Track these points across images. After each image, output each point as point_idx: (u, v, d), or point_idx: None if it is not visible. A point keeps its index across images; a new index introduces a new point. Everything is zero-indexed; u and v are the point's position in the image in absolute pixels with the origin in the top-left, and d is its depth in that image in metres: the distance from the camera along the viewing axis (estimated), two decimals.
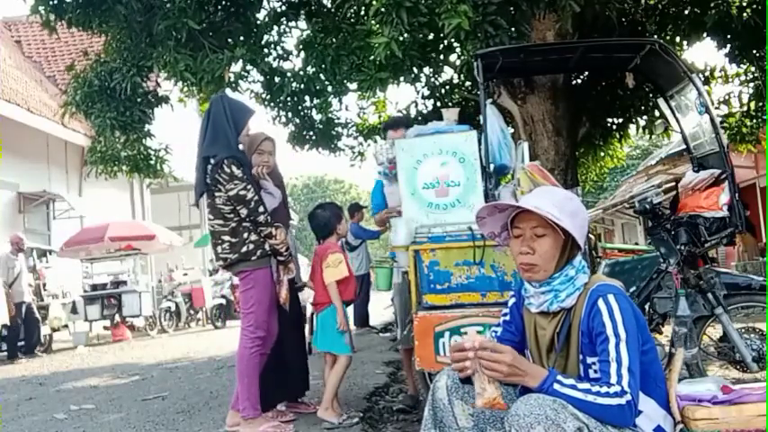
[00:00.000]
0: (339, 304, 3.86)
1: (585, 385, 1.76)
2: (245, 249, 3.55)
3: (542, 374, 1.76)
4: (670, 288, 3.77)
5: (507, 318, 2.09)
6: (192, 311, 14.32)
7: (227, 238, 3.57)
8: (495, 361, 1.75)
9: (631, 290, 3.97)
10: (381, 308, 10.43)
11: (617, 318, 1.81)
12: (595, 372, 1.82)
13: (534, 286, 1.95)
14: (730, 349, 3.68)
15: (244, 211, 3.54)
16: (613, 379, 1.76)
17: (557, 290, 1.91)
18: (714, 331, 3.86)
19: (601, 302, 1.84)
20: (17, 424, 4.53)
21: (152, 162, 7.52)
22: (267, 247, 3.60)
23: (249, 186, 3.53)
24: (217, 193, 3.56)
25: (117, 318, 12.07)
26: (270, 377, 3.89)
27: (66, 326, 11.34)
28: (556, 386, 1.74)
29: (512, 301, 2.10)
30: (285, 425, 3.69)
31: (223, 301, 14.03)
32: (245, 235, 3.56)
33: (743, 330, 3.69)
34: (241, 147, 3.72)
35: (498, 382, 1.77)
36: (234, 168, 3.50)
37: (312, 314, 4.28)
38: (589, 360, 1.86)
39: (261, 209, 3.57)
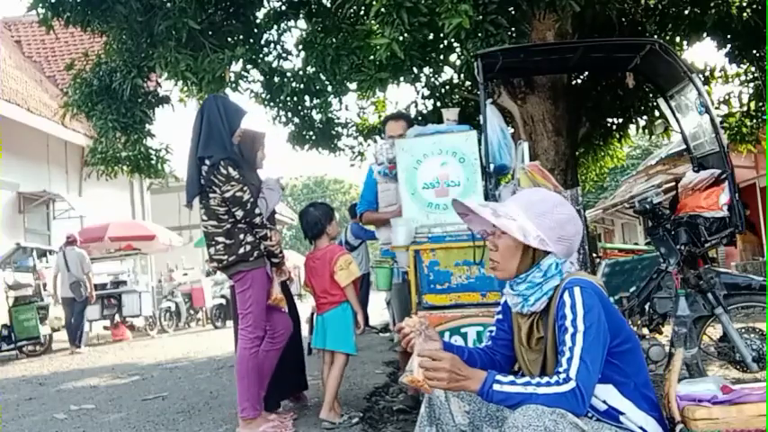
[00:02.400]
0: (358, 306, 3.90)
1: (525, 379, 1.76)
2: (242, 251, 3.54)
3: (481, 377, 1.76)
4: (670, 288, 3.77)
5: (500, 316, 2.10)
6: (191, 311, 14.33)
7: (221, 239, 3.56)
8: (433, 368, 1.75)
9: (631, 290, 3.97)
10: (381, 308, 10.43)
11: (578, 310, 1.79)
12: (533, 377, 1.82)
13: (507, 287, 1.98)
14: (730, 349, 3.68)
15: (240, 213, 3.53)
16: (562, 367, 1.74)
17: (524, 295, 1.91)
18: (714, 331, 3.86)
19: (566, 295, 1.83)
20: (17, 424, 4.53)
21: (152, 162, 7.52)
22: (262, 248, 3.60)
23: (245, 188, 3.53)
24: (211, 194, 3.54)
25: (117, 318, 12.08)
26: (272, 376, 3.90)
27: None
28: (495, 386, 1.74)
29: (503, 299, 2.10)
30: (284, 424, 3.69)
31: (223, 301, 14.03)
32: (241, 236, 3.55)
33: (743, 330, 3.69)
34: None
35: None
36: (230, 170, 3.49)
37: (312, 314, 4.28)
38: None
39: (257, 210, 3.57)
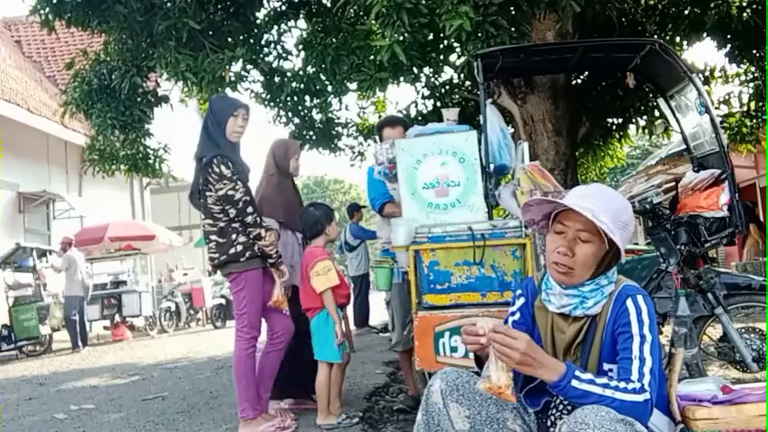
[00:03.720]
0: (335, 314, 3.76)
1: (603, 380, 1.72)
2: (233, 251, 3.55)
3: (559, 368, 1.70)
4: (670, 288, 3.77)
5: (517, 317, 2.01)
6: (191, 311, 14.33)
7: (214, 237, 3.59)
8: (507, 346, 1.68)
9: None
10: (381, 308, 10.42)
11: (644, 319, 1.78)
12: (610, 379, 1.77)
13: (561, 286, 1.88)
14: (730, 349, 3.68)
15: (232, 212, 3.54)
16: (634, 376, 1.72)
17: (585, 296, 1.85)
18: (714, 331, 3.86)
19: (630, 303, 1.81)
20: (17, 424, 4.54)
21: (150, 162, 7.52)
22: (257, 248, 3.59)
23: (238, 186, 3.54)
24: (207, 193, 3.57)
25: (117, 318, 12.09)
26: (287, 371, 3.92)
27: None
28: (574, 382, 1.69)
29: (521, 301, 2.03)
30: (285, 424, 3.69)
31: (223, 301, 14.04)
32: (234, 236, 3.56)
33: (743, 330, 3.69)
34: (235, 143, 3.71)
35: (510, 373, 1.71)
36: (222, 168, 3.51)
37: None
38: (606, 367, 1.83)
39: (249, 209, 3.57)
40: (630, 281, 1.93)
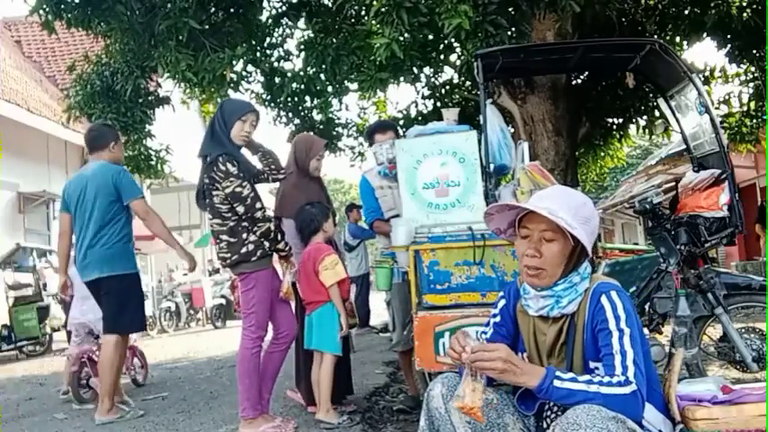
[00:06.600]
0: (342, 307, 3.84)
1: (586, 377, 1.73)
2: (244, 250, 3.55)
3: (540, 373, 1.72)
4: (670, 288, 3.77)
5: (498, 320, 2.04)
6: (191, 311, 14.33)
7: (225, 237, 3.58)
8: (488, 360, 1.70)
9: (631, 290, 3.96)
10: (381, 308, 10.42)
11: (620, 314, 1.79)
12: (594, 376, 1.77)
13: (535, 289, 1.91)
14: (730, 349, 3.68)
15: (241, 209, 3.54)
16: (618, 370, 1.73)
17: (559, 296, 1.87)
18: (714, 331, 3.86)
19: (604, 299, 1.82)
20: (17, 424, 4.53)
21: (153, 162, 7.52)
22: (266, 246, 3.60)
23: (245, 183, 3.54)
24: (214, 192, 3.57)
25: None
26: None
27: (65, 326, 11.35)
28: (556, 382, 1.70)
29: (502, 303, 2.06)
30: (285, 424, 3.69)
31: (223, 301, 14.05)
32: (244, 235, 3.56)
33: (743, 330, 3.69)
34: (240, 142, 3.71)
35: (483, 395, 1.73)
36: (229, 165, 3.51)
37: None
38: (592, 365, 1.83)
39: (258, 204, 3.57)
40: (606, 278, 1.95)
